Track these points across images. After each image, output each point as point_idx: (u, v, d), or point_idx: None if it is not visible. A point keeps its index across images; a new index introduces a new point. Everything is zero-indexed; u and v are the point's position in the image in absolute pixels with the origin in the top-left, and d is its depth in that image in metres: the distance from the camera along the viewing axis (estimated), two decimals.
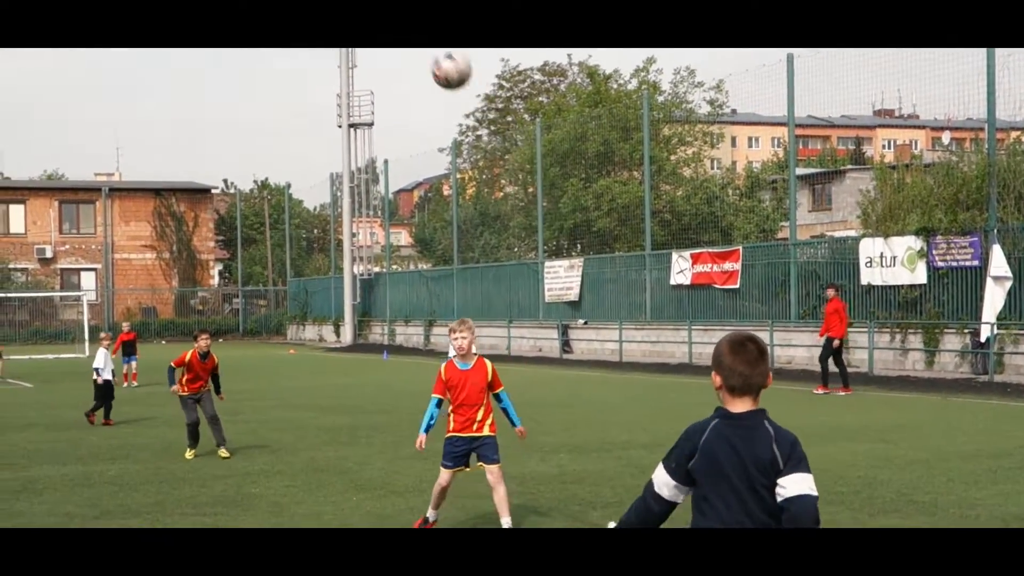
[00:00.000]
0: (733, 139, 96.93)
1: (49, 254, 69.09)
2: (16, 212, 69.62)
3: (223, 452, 14.44)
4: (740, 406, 4.50)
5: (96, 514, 10.53)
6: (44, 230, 69.72)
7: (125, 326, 31.88)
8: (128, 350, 29.36)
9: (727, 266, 33.83)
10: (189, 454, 14.52)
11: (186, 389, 14.76)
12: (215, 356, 15.10)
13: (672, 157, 47.84)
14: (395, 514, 10.33)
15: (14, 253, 68.41)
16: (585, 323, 39.79)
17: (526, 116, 62.39)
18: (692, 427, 4.60)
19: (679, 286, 35.73)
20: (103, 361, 19.83)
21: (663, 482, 4.64)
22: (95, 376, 19.49)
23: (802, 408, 20.52)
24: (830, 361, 23.88)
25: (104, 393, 19.18)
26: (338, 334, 56.91)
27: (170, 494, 11.60)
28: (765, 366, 4.51)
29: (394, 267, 61.31)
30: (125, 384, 27.60)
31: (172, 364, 14.97)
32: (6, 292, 62.54)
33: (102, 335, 21.92)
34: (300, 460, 14.06)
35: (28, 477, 12.80)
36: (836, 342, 23.70)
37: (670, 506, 4.67)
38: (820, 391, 23.41)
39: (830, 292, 24.52)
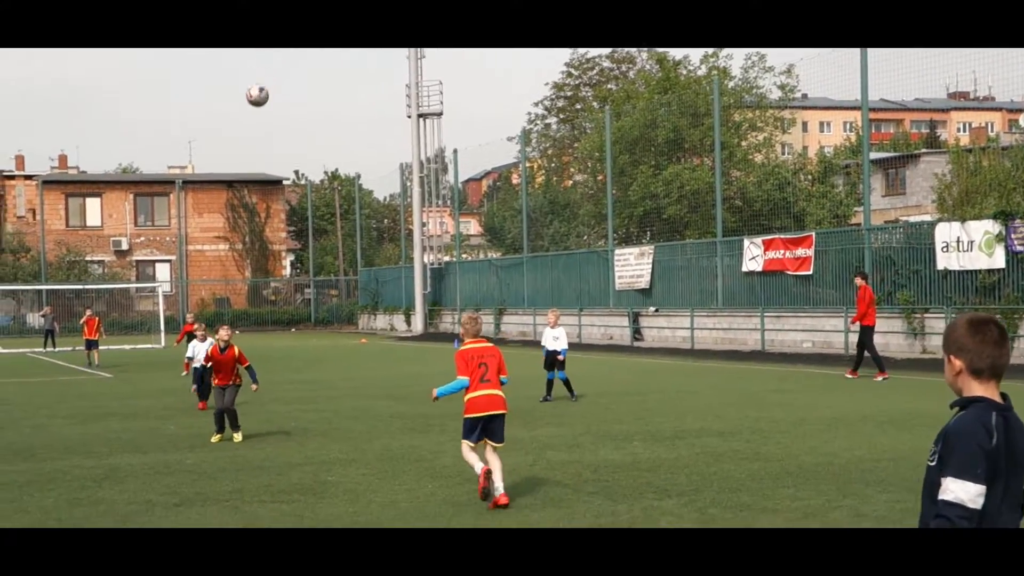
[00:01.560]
0: (804, 124, 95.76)
1: (125, 246, 70.18)
2: (93, 205, 70.79)
3: (237, 436, 15.16)
4: (992, 391, 4.08)
5: (176, 501, 10.68)
6: (120, 223, 70.82)
7: (189, 317, 32.39)
8: (190, 340, 29.75)
9: (800, 252, 33.47)
10: (215, 438, 15.17)
11: (216, 380, 15.59)
12: (236, 348, 15.55)
13: (743, 143, 47.45)
14: (469, 502, 10.35)
15: (91, 246, 69.57)
16: (656, 311, 39.61)
17: (595, 104, 62.17)
18: (971, 426, 3.98)
19: (751, 273, 35.42)
20: (193, 350, 20.24)
21: (977, 493, 3.94)
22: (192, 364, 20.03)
23: (878, 395, 20.28)
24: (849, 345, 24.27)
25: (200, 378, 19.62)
26: (409, 323, 57.19)
27: (248, 482, 11.73)
28: (1008, 347, 4.17)
29: (464, 256, 61.45)
30: (185, 373, 28.05)
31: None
32: (84, 284, 63.62)
33: (196, 326, 22.29)
34: (374, 448, 14.15)
35: (110, 465, 13.00)
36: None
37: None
38: (879, 377, 23.16)
39: (859, 280, 24.57)
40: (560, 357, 19.75)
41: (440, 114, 54.69)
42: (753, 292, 35.55)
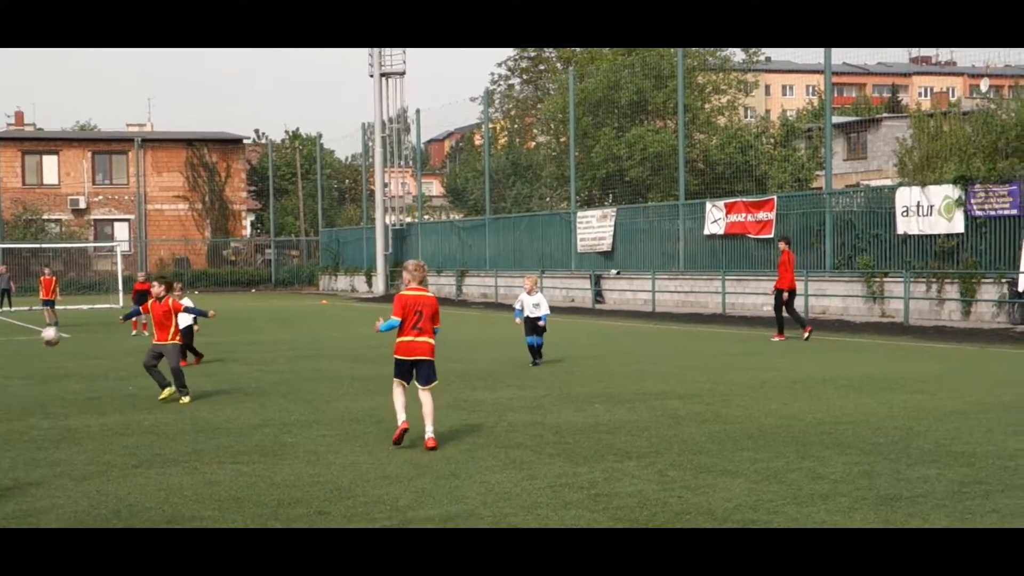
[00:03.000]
0: (767, 87, 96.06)
1: (83, 205, 69.42)
2: (49, 163, 69.91)
3: (185, 399, 15.05)
4: None
5: (135, 463, 10.59)
6: (77, 181, 70.01)
7: (140, 276, 32.40)
8: (141, 300, 29.62)
9: (761, 216, 33.60)
10: (164, 393, 15.21)
11: (154, 337, 15.56)
12: (172, 300, 15.56)
13: (706, 106, 47.52)
14: (431, 463, 10.33)
15: (48, 204, 68.79)
16: (618, 273, 39.69)
17: (559, 65, 61.99)
18: None
19: (713, 236, 35.54)
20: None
21: None
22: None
23: (838, 358, 20.44)
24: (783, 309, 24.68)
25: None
26: (370, 284, 57.05)
27: (207, 443, 11.65)
28: None
29: (426, 217, 61.27)
30: (134, 332, 28.12)
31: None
32: (41, 243, 62.97)
33: (177, 284, 22.15)
34: (335, 410, 14.09)
35: (67, 427, 12.88)
36: (785, 294, 24.36)
37: None
38: (777, 339, 24.12)
39: (782, 245, 25.18)
40: (541, 323, 19.57)
41: (403, 74, 54.37)
42: (715, 255, 35.68)
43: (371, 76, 54.18)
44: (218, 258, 71.81)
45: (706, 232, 35.79)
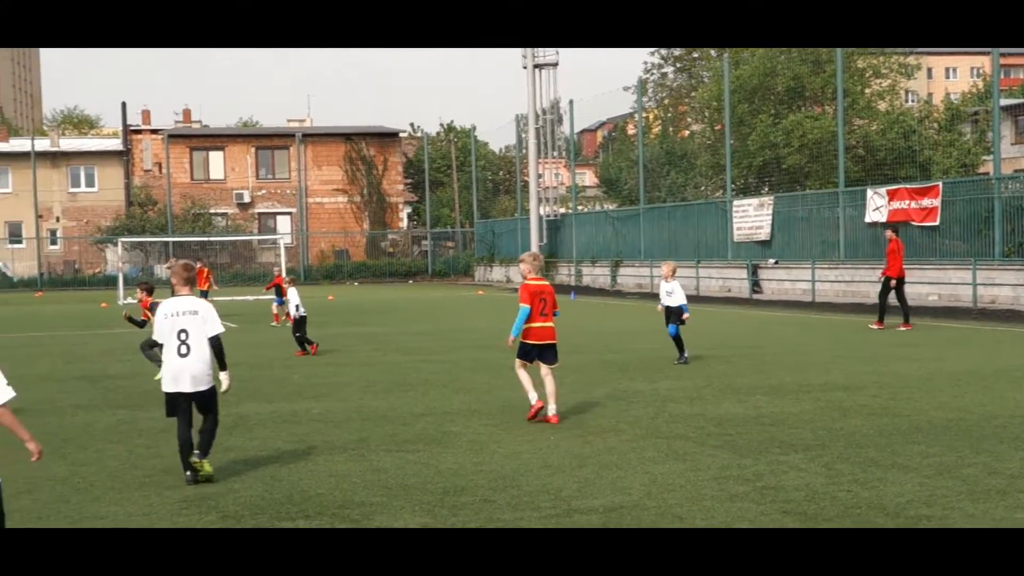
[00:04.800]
0: (929, 70, 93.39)
1: (247, 199, 71.46)
2: (216, 159, 72.15)
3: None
4: None
5: (304, 449, 10.88)
6: (242, 176, 72.09)
7: (276, 270, 33.44)
8: (280, 292, 30.78)
9: (926, 202, 32.67)
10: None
11: None
12: (149, 302, 17.54)
13: (866, 90, 46.38)
14: (593, 454, 10.35)
15: (215, 198, 71.02)
16: (776, 263, 39.08)
17: (712, 52, 61.25)
18: None
19: (874, 224, 34.69)
20: (297, 299, 21.11)
21: None
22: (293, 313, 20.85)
23: (1010, 349, 19.80)
24: (891, 297, 24.60)
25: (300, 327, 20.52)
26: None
27: (373, 431, 11.90)
28: None
29: (580, 208, 61.27)
30: (275, 324, 29.04)
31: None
32: (208, 236, 65.02)
33: (288, 278, 23.12)
34: (496, 400, 14.23)
35: (239, 413, 13.29)
36: (894, 282, 24.23)
37: None
38: (876, 327, 24.09)
39: (889, 233, 25.15)
40: (685, 316, 18.42)
41: (556, 64, 54.45)
42: (876, 244, 34.80)
43: (524, 68, 54.39)
44: (376, 250, 73.09)
45: (867, 220, 34.95)
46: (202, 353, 9.52)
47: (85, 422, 13.06)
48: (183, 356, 9.46)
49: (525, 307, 12.26)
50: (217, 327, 9.62)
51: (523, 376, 12.45)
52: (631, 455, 10.26)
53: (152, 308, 17.00)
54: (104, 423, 12.95)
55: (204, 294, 34.68)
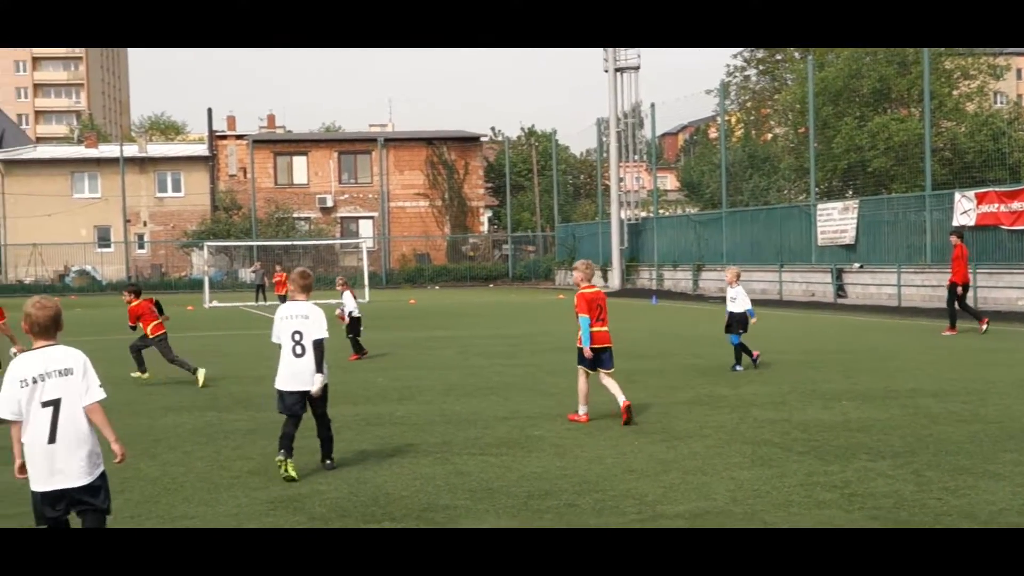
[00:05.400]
0: (1019, 71, 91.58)
1: (330, 203, 72.18)
2: (299, 164, 73.02)
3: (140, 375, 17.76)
4: None
5: (388, 452, 10.96)
6: (325, 180, 72.85)
7: (278, 267, 34.12)
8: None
9: (1016, 206, 32.01)
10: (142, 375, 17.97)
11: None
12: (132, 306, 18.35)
13: (954, 92, 45.57)
14: (677, 459, 10.30)
15: (298, 203, 71.84)
16: (861, 267, 38.57)
17: (796, 54, 60.65)
18: None
19: (962, 227, 34.08)
20: (352, 303, 21.81)
21: None
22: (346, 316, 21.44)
23: None
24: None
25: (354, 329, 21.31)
26: (605, 279, 57.21)
27: (456, 435, 11.95)
28: None
29: (661, 211, 61.01)
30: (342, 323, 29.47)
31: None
32: (292, 240, 65.77)
33: (340, 280, 23.52)
34: (578, 404, 14.19)
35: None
36: (960, 288, 24.18)
37: None
38: (948, 333, 23.99)
39: (954, 239, 24.93)
40: (752, 320, 18.08)
41: (637, 68, 54.29)
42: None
43: (606, 71, 54.30)
44: (457, 254, 73.41)
45: (955, 223, 34.33)
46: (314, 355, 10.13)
47: (173, 423, 13.28)
48: (298, 356, 10.08)
49: (585, 317, 12.68)
50: (323, 332, 10.19)
51: (584, 385, 12.82)
52: (715, 460, 10.20)
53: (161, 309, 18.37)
54: (192, 424, 13.16)
55: (284, 299, 35.17)
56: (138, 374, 17.95)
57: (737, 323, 17.97)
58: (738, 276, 18.53)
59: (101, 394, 6.39)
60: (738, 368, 17.63)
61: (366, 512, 8.47)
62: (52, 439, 6.25)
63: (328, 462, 10.21)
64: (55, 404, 6.25)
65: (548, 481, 9.43)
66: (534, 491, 9.04)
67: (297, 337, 10.07)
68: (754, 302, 19.44)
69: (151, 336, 17.88)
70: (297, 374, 10.06)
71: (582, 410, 12.84)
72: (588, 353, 12.69)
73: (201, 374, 17.22)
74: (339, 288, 22.51)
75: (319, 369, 10.15)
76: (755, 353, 17.92)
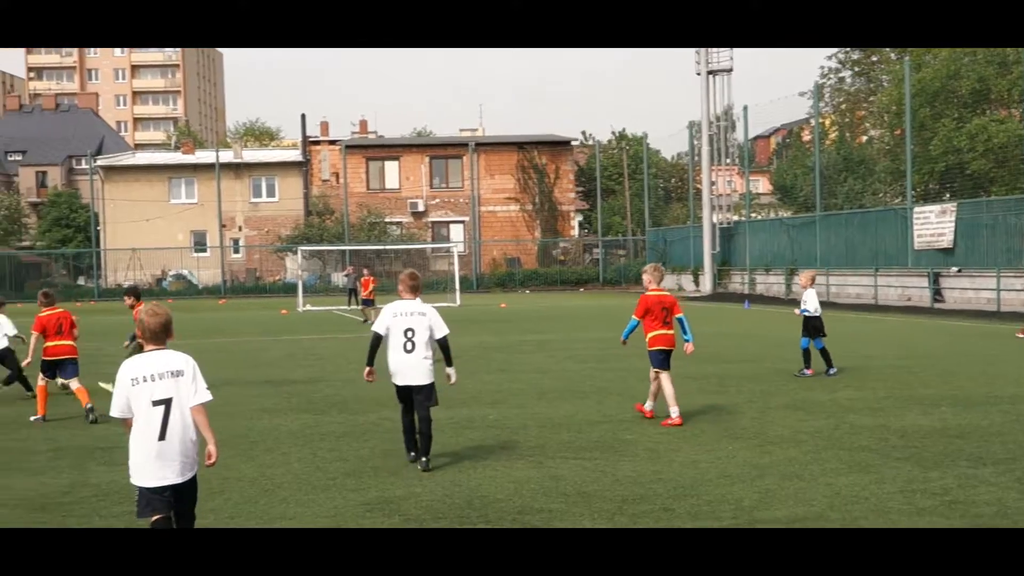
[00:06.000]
0: None
1: (421, 208, 72.69)
2: (391, 168, 73.64)
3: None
4: None
5: (482, 455, 11.01)
6: (416, 185, 73.37)
7: (365, 272, 34.70)
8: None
9: None
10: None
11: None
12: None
13: None
14: (772, 464, 10.20)
15: (389, 207, 72.44)
16: (959, 271, 37.84)
17: (892, 55, 59.76)
18: None
19: None
20: None
21: None
22: None
23: None
24: None
25: None
26: (697, 283, 56.86)
27: (550, 438, 11.96)
28: None
29: (753, 215, 60.45)
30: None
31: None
32: (383, 244, 66.34)
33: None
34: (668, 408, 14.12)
35: None
36: None
37: None
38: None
39: None
40: (805, 313, 17.77)
41: (730, 70, 53.92)
42: None
43: (698, 74, 53.98)
44: (548, 258, 73.44)
45: None
46: (424, 351, 10.42)
47: (271, 425, 13.47)
48: (408, 352, 10.39)
49: (635, 320, 13.21)
50: (444, 329, 10.54)
51: (669, 386, 13.05)
52: (812, 466, 10.09)
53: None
54: (289, 427, 13.33)
55: (369, 302, 35.48)
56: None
57: (814, 327, 17.76)
58: (812, 279, 18.35)
59: (208, 396, 6.75)
60: (832, 372, 17.42)
61: (461, 515, 8.52)
62: (162, 436, 6.58)
63: (424, 460, 10.31)
64: (166, 403, 6.59)
65: (643, 485, 9.40)
66: (629, 495, 9.02)
67: (409, 334, 10.37)
68: (848, 307, 19.25)
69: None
70: (403, 370, 10.41)
71: (650, 405, 13.31)
72: (624, 343, 13.64)
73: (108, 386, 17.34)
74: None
75: (449, 363, 10.68)
76: (810, 371, 17.55)
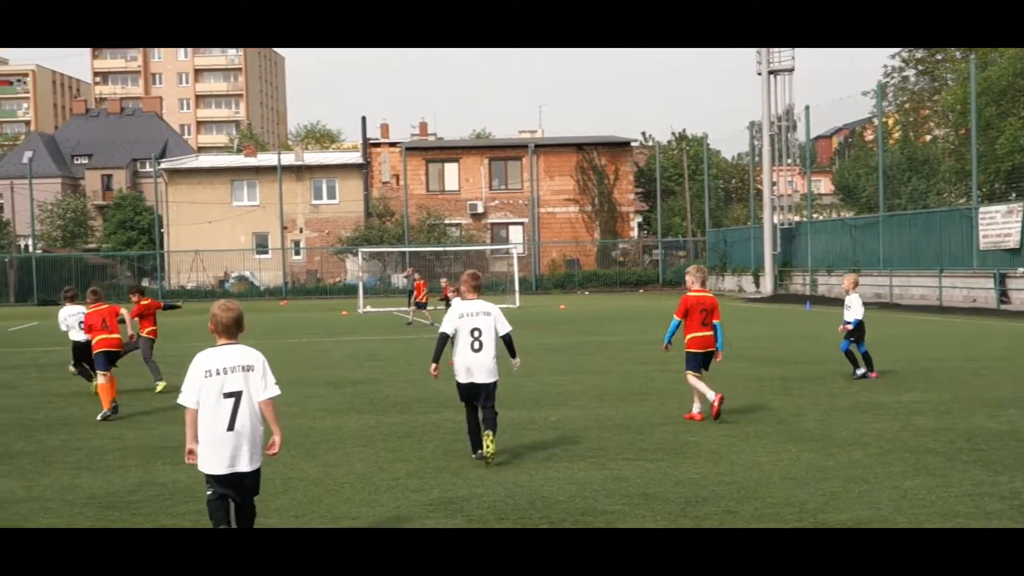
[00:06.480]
0: None
1: (480, 209, 72.82)
2: (450, 170, 73.84)
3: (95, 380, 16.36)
4: None
5: (545, 456, 11.01)
6: (475, 187, 73.52)
7: (443, 282, 34.77)
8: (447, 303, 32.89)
9: None
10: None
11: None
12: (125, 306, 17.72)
13: None
14: (837, 467, 10.11)
15: (449, 209, 72.64)
16: None
17: (957, 54, 59.01)
18: None
19: None
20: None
21: None
22: None
23: None
24: None
25: None
26: (758, 284, 56.46)
27: (611, 440, 11.94)
28: None
29: (815, 216, 59.91)
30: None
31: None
32: (443, 246, 66.53)
33: (452, 288, 24.13)
34: (734, 410, 14.03)
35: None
36: None
37: None
38: None
39: None
40: (848, 326, 17.54)
41: (791, 70, 53.46)
42: None
43: (759, 74, 53.62)
44: (607, 259, 73.27)
45: None
46: (491, 349, 10.73)
47: (333, 425, 13.55)
48: (476, 351, 10.70)
49: (677, 320, 13.32)
50: (507, 326, 10.86)
51: (699, 382, 13.31)
52: (878, 469, 9.98)
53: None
54: (351, 427, 13.41)
55: (422, 305, 35.60)
56: (160, 384, 17.70)
57: (859, 332, 17.59)
58: (855, 283, 18.17)
59: (277, 391, 7.14)
60: (866, 373, 17.35)
61: (523, 515, 8.52)
62: (231, 427, 6.88)
63: (488, 433, 10.59)
64: (236, 396, 6.90)
65: (706, 487, 9.35)
66: (692, 497, 8.98)
67: (476, 334, 10.66)
68: (912, 308, 19.01)
69: (142, 335, 18.02)
70: (472, 368, 10.66)
71: (697, 407, 13.36)
72: (666, 348, 13.69)
73: (161, 385, 17.57)
74: (449, 294, 23.09)
75: (513, 355, 11.05)
76: (873, 374, 17.40)
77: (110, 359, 15.57)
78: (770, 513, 8.37)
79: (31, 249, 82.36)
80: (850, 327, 17.59)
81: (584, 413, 14.12)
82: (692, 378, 13.34)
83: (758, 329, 30.45)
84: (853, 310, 17.61)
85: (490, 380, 10.72)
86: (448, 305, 34.96)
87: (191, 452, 7.00)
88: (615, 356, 22.49)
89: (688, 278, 13.65)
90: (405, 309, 44.47)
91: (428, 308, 35.46)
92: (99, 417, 14.62)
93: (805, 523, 8.03)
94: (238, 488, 6.95)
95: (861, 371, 17.33)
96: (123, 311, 16.81)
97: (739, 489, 9.27)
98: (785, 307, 43.75)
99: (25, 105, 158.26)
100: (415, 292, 36.38)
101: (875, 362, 17.53)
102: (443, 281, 35.05)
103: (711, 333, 13.27)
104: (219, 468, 6.90)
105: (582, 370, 19.85)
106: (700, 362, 13.33)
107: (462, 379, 10.72)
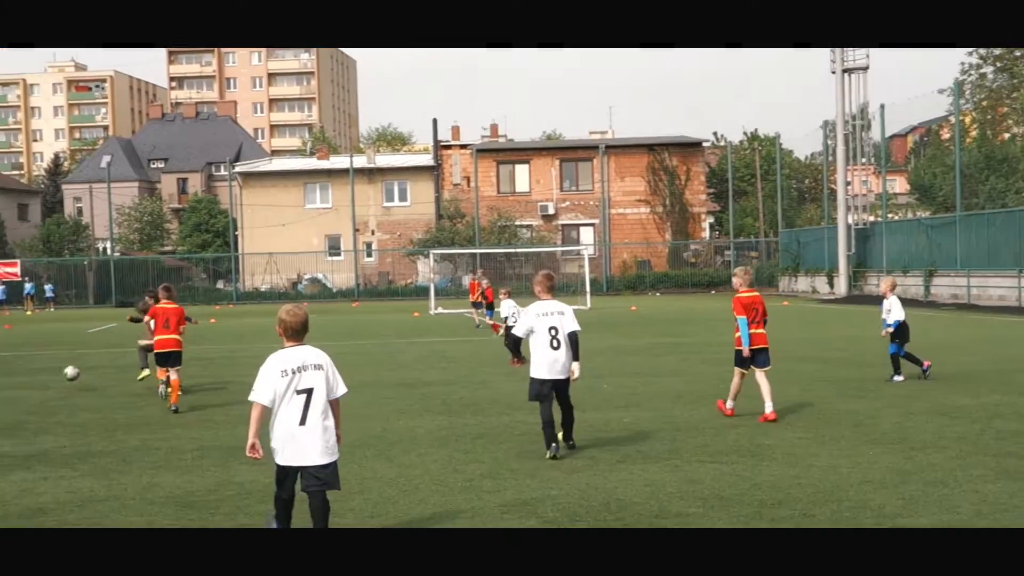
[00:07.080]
0: None
1: (551, 211, 72.85)
2: (521, 172, 73.97)
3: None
4: None
5: (618, 458, 10.98)
6: (546, 188, 73.56)
7: (485, 281, 34.54)
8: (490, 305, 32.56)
9: None
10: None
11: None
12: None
13: None
14: (916, 470, 9.98)
15: (520, 211, 72.74)
16: None
17: None
18: None
19: None
20: (509, 310, 22.64)
21: None
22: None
23: None
24: None
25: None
26: (832, 285, 55.87)
27: (685, 441, 11.88)
28: None
29: (890, 216, 59.16)
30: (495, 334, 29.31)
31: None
32: (514, 248, 66.62)
33: (503, 290, 24.48)
34: (809, 412, 13.94)
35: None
36: None
37: None
38: None
39: None
40: (890, 330, 17.33)
41: (866, 68, 52.86)
42: None
43: (833, 72, 53.07)
44: (678, 260, 72.95)
45: None
46: (568, 348, 11.11)
47: (407, 427, 13.63)
48: (555, 349, 11.07)
49: (743, 317, 13.50)
50: (577, 326, 11.20)
51: (738, 384, 13.72)
52: (957, 472, 9.83)
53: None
54: (425, 428, 13.48)
55: (476, 305, 35.63)
56: (161, 386, 17.51)
57: (899, 334, 17.35)
58: (893, 286, 17.96)
59: (345, 389, 7.58)
60: (897, 378, 17.08)
61: (598, 517, 8.51)
62: (303, 422, 7.30)
63: (570, 442, 11.36)
64: (308, 393, 7.32)
65: (781, 490, 9.27)
66: (767, 500, 8.91)
67: (553, 332, 11.04)
68: (991, 309, 18.70)
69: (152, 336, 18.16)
70: (553, 364, 11.02)
71: (729, 404, 13.78)
72: (747, 353, 13.47)
73: (145, 373, 18.58)
74: (502, 296, 23.49)
75: (575, 358, 11.16)
76: (925, 363, 17.30)
77: (163, 359, 16.33)
78: (847, 517, 8.28)
79: (109, 252, 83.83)
80: (891, 330, 17.38)
81: (657, 415, 14.07)
82: (736, 375, 13.67)
83: (833, 331, 30.13)
84: (894, 312, 17.43)
85: (565, 376, 11.11)
86: (481, 307, 34.75)
87: (253, 446, 7.39)
88: (687, 358, 22.38)
89: (735, 280, 14.06)
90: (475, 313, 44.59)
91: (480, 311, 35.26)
92: (160, 394, 16.26)
93: (884, 527, 7.93)
94: (309, 480, 7.35)
95: (900, 377, 17.11)
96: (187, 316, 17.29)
97: (815, 492, 9.18)
98: (859, 308, 43.19)
99: (103, 110, 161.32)
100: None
101: (951, 364, 17.27)
102: (484, 282, 34.70)
103: (762, 331, 13.67)
104: (288, 459, 7.37)
105: (654, 372, 19.77)
106: (750, 360, 13.58)
107: (544, 375, 11.03)
